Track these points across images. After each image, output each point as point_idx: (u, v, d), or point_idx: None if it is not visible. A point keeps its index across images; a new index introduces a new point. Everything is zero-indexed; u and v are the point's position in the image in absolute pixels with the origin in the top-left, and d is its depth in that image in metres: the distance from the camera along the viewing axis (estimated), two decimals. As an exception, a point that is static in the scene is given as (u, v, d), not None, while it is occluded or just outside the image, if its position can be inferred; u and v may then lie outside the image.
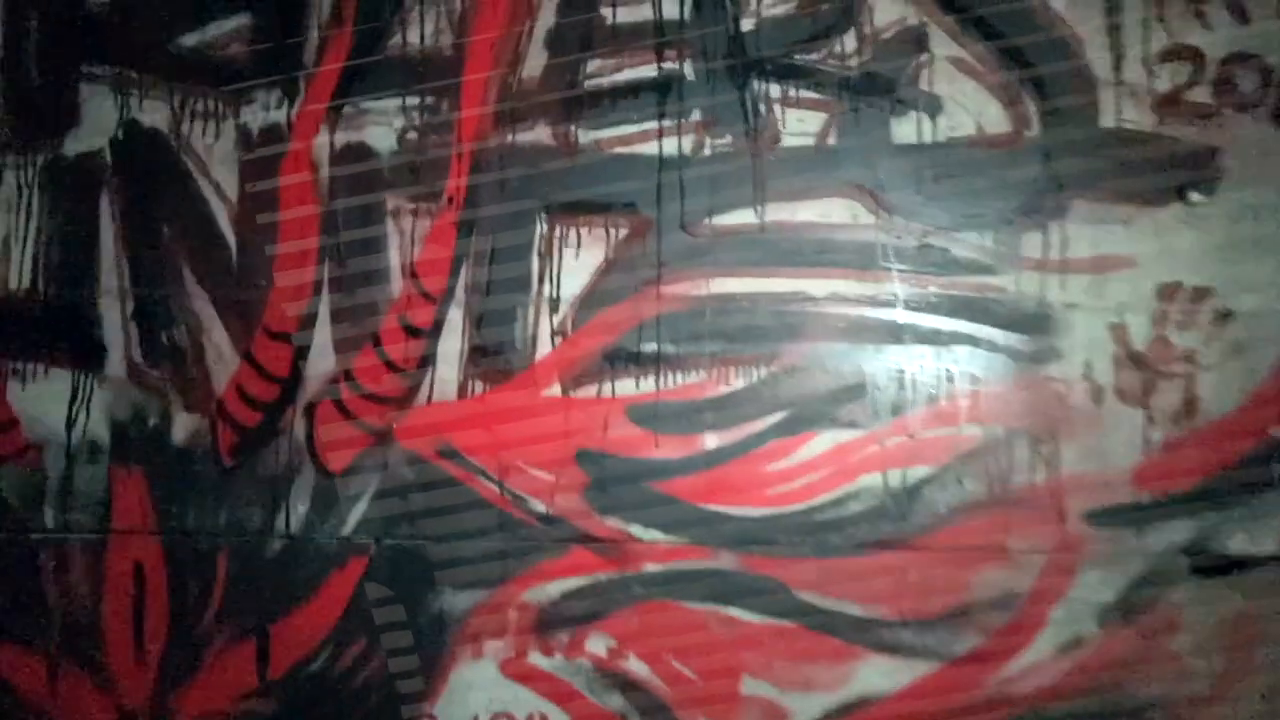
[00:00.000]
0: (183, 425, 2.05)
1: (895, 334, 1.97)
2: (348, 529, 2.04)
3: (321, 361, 2.05)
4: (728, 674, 1.97)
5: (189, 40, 2.07)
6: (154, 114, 2.08)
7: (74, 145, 2.06)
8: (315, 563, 2.04)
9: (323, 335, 2.05)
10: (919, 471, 1.96)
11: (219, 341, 2.05)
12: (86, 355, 2.07)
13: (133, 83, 2.07)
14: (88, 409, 2.05)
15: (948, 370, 1.96)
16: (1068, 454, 1.93)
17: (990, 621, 1.93)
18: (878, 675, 1.94)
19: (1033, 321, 1.95)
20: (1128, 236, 1.93)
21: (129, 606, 2.04)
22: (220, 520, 2.05)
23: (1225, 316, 1.90)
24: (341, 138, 2.06)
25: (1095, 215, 1.94)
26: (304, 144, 2.07)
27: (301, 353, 2.05)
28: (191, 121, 2.07)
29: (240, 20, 2.07)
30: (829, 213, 1.99)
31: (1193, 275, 1.91)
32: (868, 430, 1.97)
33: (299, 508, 2.04)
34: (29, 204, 2.06)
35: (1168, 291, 1.92)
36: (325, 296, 2.06)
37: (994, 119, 1.96)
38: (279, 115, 2.06)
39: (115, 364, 2.07)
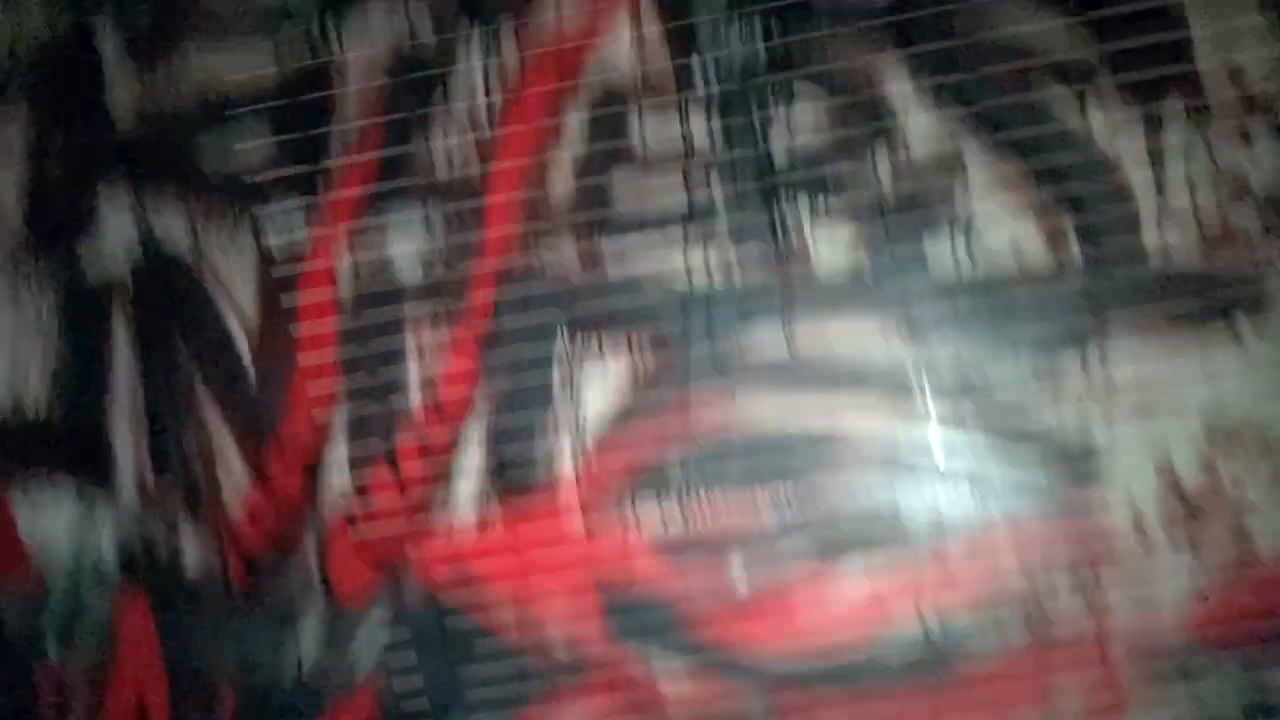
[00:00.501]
0: (193, 551, 2.00)
1: (931, 465, 1.90)
2: (360, 660, 1.97)
3: (336, 481, 2.00)
4: None
5: (211, 157, 2.05)
6: (173, 232, 2.05)
7: (91, 263, 2.03)
8: (325, 696, 1.97)
9: (338, 454, 2.00)
10: (956, 610, 1.87)
11: (233, 463, 2.00)
12: (97, 478, 2.02)
13: (153, 201, 2.05)
14: (96, 533, 2.00)
15: (986, 504, 1.89)
16: (1112, 594, 1.85)
17: (1031, 771, 1.84)
18: None
19: (1074, 455, 1.88)
20: (1173, 367, 1.86)
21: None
22: (228, 652, 1.99)
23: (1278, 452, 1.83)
24: (364, 255, 2.03)
25: (1139, 344, 1.87)
26: (325, 261, 2.03)
27: (316, 473, 2.00)
28: (211, 239, 2.04)
29: (263, 138, 2.05)
30: (861, 338, 1.93)
31: (1242, 408, 1.84)
32: (903, 566, 1.89)
33: (310, 638, 1.97)
34: (44, 324, 2.03)
35: (1216, 425, 1.85)
36: (342, 413, 2.01)
37: (1032, 243, 1.90)
38: (301, 233, 2.03)
39: (126, 487, 2.02)
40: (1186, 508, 1.85)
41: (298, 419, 2.01)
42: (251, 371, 2.03)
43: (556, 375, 1.98)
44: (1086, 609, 1.85)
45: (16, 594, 2.01)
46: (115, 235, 2.06)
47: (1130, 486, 1.86)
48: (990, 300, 1.90)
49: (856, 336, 1.93)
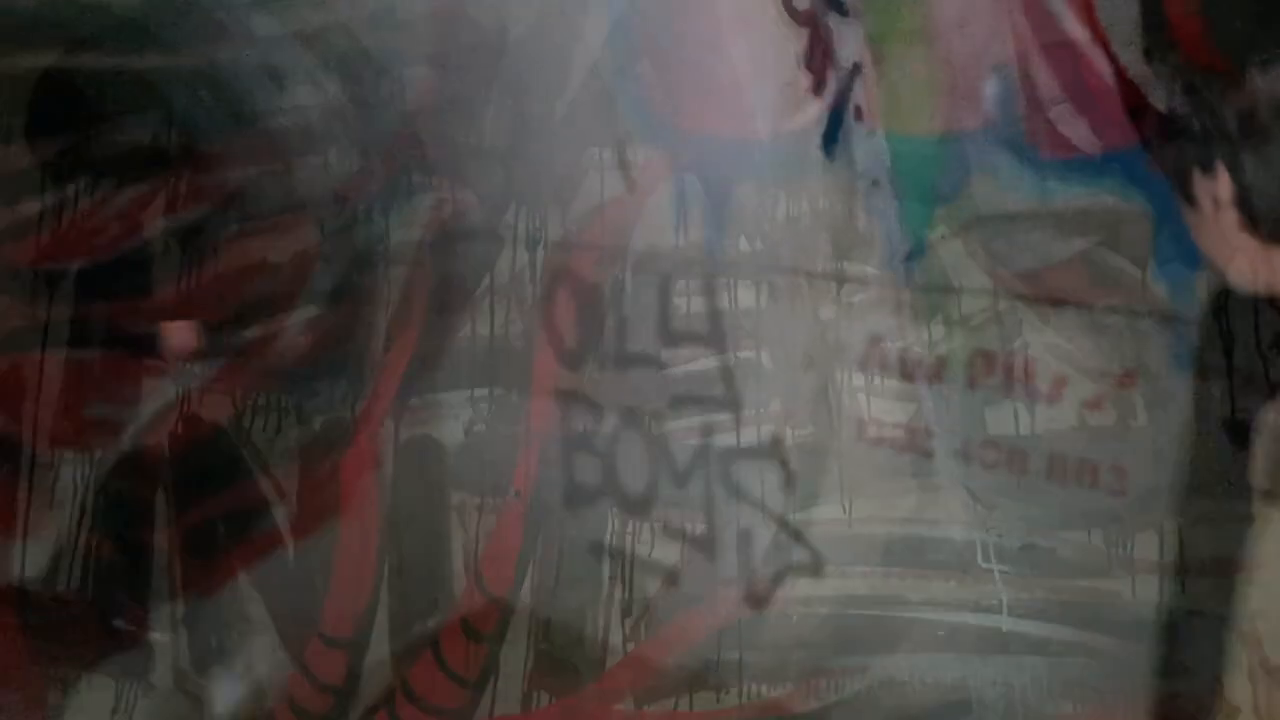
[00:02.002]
0: (230, 744, 1.92)
1: (1001, 643, 1.81)
2: None
3: (378, 671, 1.92)
4: (67, 406, 1.89)
5: (252, 332, 2.03)
6: (214, 408, 2.03)
7: (131, 439, 2.00)
8: None
9: (380, 642, 1.93)
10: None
11: (272, 648, 1.93)
12: (133, 662, 1.96)
13: (194, 375, 2.02)
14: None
15: (1060, 683, 1.79)
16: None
17: None
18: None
19: (1153, 629, 1.78)
20: (1253, 535, 1.77)
21: None
22: None
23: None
24: (406, 431, 1.99)
25: (1215, 511, 1.79)
26: (368, 438, 1.99)
27: (358, 661, 1.92)
28: (253, 416, 2.01)
29: (306, 312, 2.03)
30: (923, 509, 1.86)
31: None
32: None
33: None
34: (83, 501, 1.98)
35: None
36: (384, 597, 1.94)
37: (1097, 407, 1.84)
38: (344, 410, 2.00)
39: (162, 672, 1.95)
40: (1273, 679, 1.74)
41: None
42: (291, 552, 1.98)
43: (607, 558, 1.91)
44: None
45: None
46: (156, 409, 2.03)
47: (1215, 663, 1.76)
48: (1055, 467, 1.83)
49: (918, 509, 1.86)
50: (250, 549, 2.02)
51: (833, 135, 1.94)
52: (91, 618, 1.97)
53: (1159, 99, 1.82)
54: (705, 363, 2.11)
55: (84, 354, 1.87)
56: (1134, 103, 1.82)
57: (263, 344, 2.07)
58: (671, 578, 1.90)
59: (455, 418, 2.00)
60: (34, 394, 1.84)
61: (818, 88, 1.94)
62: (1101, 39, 1.81)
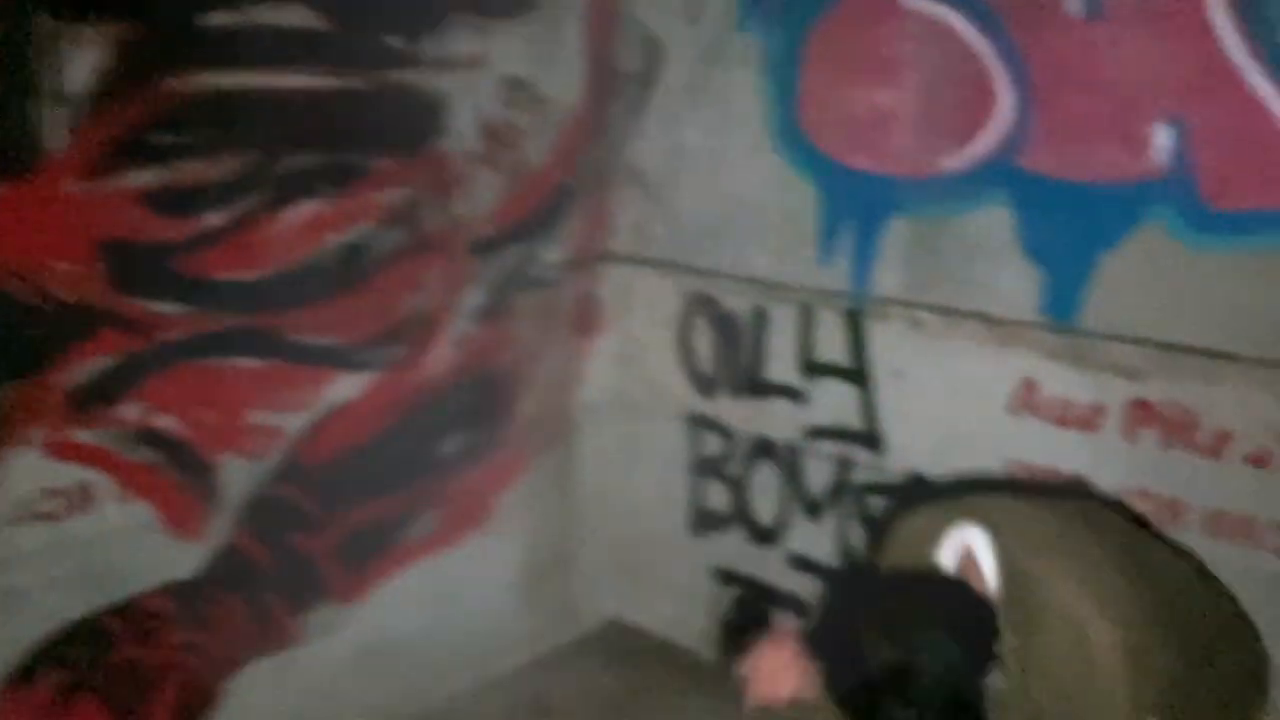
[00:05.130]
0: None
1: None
2: None
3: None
4: (236, 411, 1.92)
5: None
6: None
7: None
8: None
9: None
10: None
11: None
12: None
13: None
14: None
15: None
16: None
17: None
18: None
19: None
20: None
21: None
22: None
23: None
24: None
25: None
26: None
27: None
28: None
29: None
30: None
31: None
32: None
33: None
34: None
35: None
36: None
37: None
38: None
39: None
40: None
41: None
42: None
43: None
44: None
45: None
46: None
47: None
48: None
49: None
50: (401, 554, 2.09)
51: (989, 174, 1.92)
52: (248, 615, 2.01)
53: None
54: (845, 395, 2.14)
55: (253, 362, 1.94)
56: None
57: (417, 358, 2.13)
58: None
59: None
60: (205, 399, 1.90)
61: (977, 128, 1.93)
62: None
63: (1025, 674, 1.33)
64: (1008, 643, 1.33)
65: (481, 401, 2.26)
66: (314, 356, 2.00)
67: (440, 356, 2.17)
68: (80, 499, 1.75)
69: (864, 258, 2.10)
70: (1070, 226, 1.85)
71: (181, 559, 1.89)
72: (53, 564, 1.74)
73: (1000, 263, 1.93)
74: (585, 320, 2.43)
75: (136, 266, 1.75)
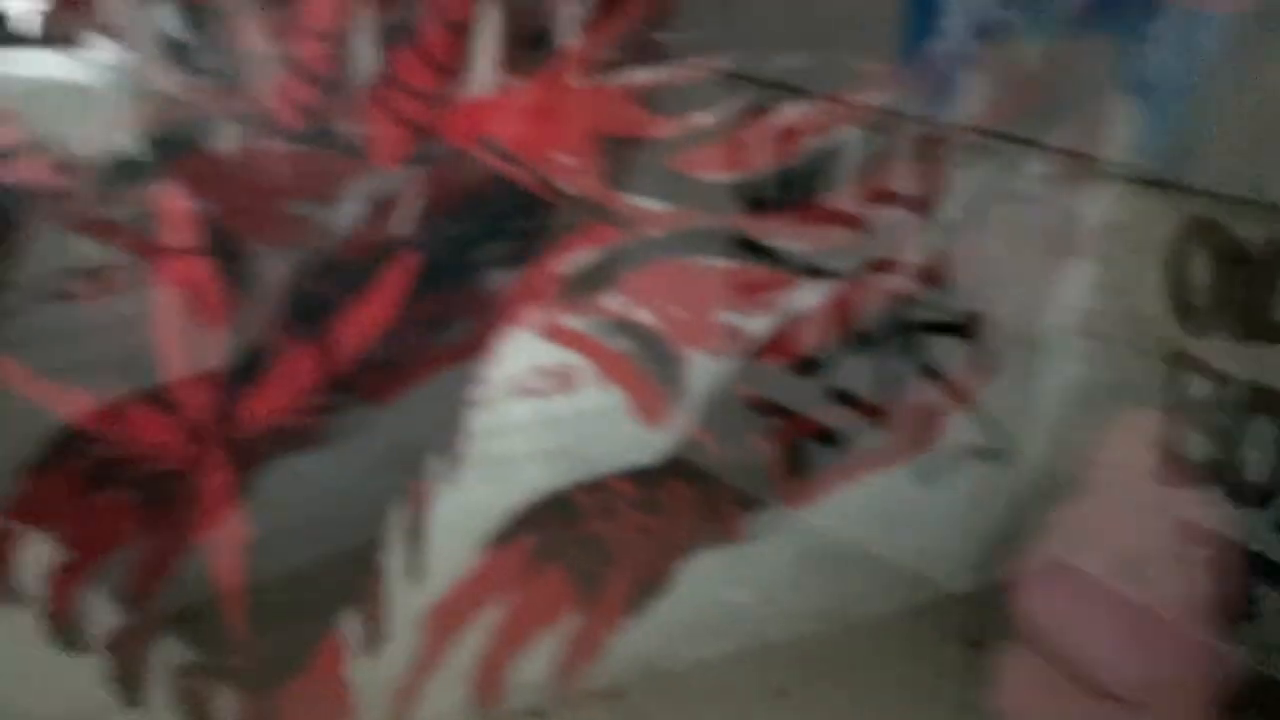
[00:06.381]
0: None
1: None
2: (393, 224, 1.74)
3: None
4: (704, 309, 1.96)
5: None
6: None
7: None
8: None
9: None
10: None
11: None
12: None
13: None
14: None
15: None
16: None
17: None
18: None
19: None
20: None
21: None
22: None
23: None
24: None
25: None
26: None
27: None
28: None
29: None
30: None
31: None
32: None
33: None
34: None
35: None
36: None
37: None
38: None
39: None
40: None
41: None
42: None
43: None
44: None
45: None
46: None
47: None
48: None
49: None
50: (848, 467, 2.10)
51: None
52: (700, 506, 2.09)
53: None
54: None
55: (723, 262, 1.97)
56: None
57: (881, 270, 2.10)
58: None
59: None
60: (677, 295, 1.96)
61: None
62: None
63: None
64: None
65: (940, 319, 2.19)
66: (780, 261, 2.00)
67: (905, 269, 2.11)
68: (563, 380, 1.88)
69: None
70: None
71: (646, 445, 1.99)
72: (536, 437, 1.89)
73: None
74: (1064, 240, 2.26)
75: (629, 162, 1.82)
